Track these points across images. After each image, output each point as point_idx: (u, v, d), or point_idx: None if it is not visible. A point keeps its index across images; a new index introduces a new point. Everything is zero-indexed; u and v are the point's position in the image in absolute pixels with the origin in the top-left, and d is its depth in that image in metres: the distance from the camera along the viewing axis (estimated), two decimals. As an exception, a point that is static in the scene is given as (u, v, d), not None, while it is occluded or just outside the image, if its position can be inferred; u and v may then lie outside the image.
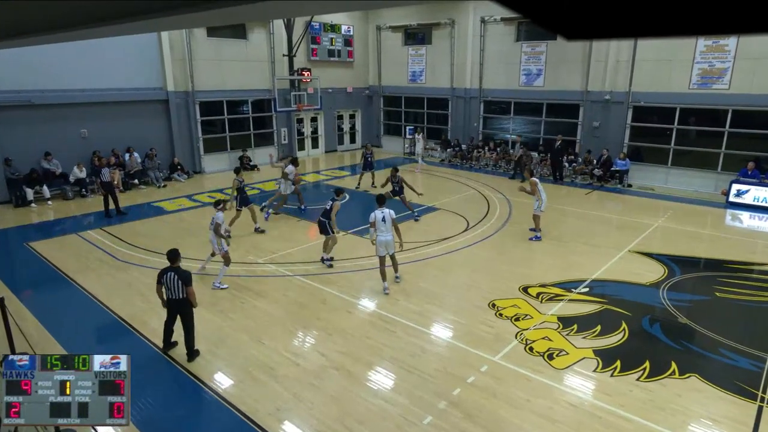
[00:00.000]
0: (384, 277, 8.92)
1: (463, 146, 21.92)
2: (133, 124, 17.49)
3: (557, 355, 6.96)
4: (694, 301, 8.89)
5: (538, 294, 8.85)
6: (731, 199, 15.15)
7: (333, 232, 9.96)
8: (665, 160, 17.43)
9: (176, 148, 18.71)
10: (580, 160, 18.57)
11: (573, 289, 9.03)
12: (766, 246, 11.93)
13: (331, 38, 23.44)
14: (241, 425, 5.63)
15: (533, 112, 20.57)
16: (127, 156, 17.04)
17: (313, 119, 24.04)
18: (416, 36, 23.67)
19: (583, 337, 7.43)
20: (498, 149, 20.81)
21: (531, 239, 11.52)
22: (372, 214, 8.83)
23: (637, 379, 6.45)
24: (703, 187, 16.60)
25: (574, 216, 14.00)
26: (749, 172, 15.29)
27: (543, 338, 7.40)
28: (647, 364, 6.75)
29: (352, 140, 26.03)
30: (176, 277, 6.54)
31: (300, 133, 23.46)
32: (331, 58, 23.58)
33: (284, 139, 22.47)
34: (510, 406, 5.93)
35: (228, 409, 5.90)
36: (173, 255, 6.75)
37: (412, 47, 23.77)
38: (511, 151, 20.22)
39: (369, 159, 16.52)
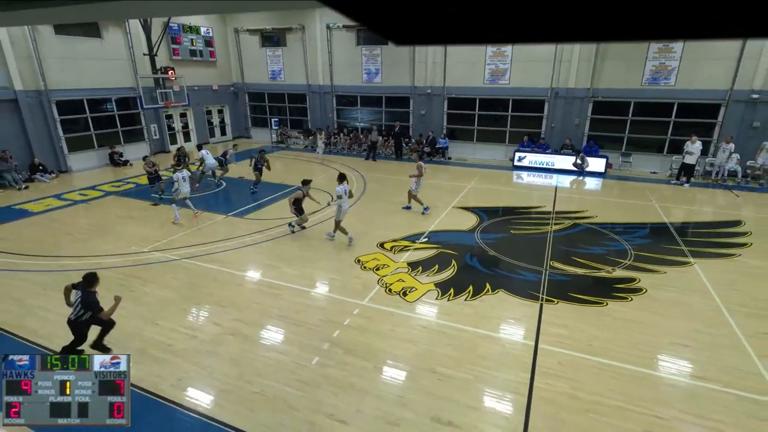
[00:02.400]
0: (346, 232, 9.46)
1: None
2: (-24, 125, 13.79)
3: (409, 292, 7.44)
4: (498, 238, 10.00)
5: (392, 247, 9.31)
6: (516, 163, 17.49)
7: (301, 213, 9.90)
8: (472, 137, 19.40)
9: (35, 149, 15.22)
10: (413, 140, 19.72)
11: (416, 241, 9.67)
12: (539, 195, 14.08)
13: (191, 39, 20.95)
14: (145, 401, 5.01)
15: (376, 103, 21.10)
16: (-27, 160, 13.47)
17: (183, 115, 21.50)
18: (272, 39, 22.35)
19: (426, 275, 8.03)
20: (351, 135, 21.04)
21: (404, 208, 11.89)
22: (339, 188, 9.21)
23: (465, 300, 7.21)
24: (498, 156, 18.90)
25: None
26: (525, 144, 17.83)
27: (398, 281, 7.83)
28: (471, 287, 7.56)
29: (223, 132, 23.99)
30: (80, 300, 5.26)
31: (171, 128, 20.84)
32: (194, 58, 21.15)
33: (155, 135, 19.80)
34: (379, 337, 6.23)
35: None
36: (90, 279, 5.36)
37: (269, 49, 22.42)
38: (361, 136, 20.56)
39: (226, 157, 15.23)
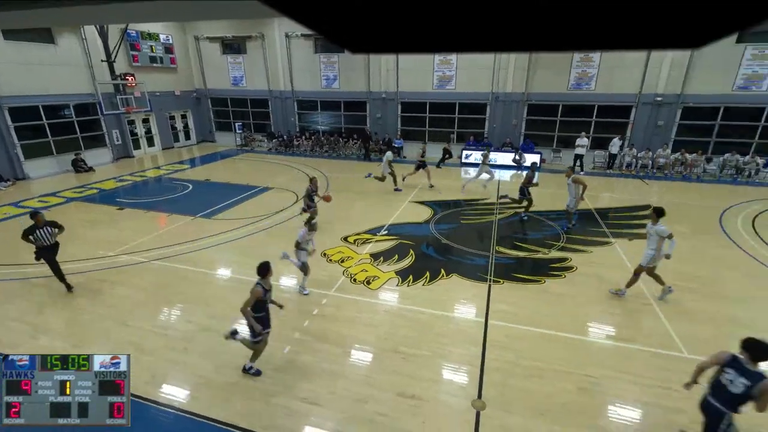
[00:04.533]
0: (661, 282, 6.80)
1: (284, 137, 21.19)
2: None
3: (372, 280, 7.47)
4: (450, 228, 10.22)
5: (355, 240, 9.29)
6: (463, 160, 17.95)
7: None
8: (424, 137, 19.62)
9: (-13, 157, 13.82)
10: (371, 142, 19.70)
11: (377, 233, 9.70)
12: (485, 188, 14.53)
13: (151, 46, 19.67)
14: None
15: (335, 107, 20.87)
16: None
17: (145, 120, 20.22)
18: (232, 46, 21.44)
19: (387, 264, 8.08)
20: (312, 138, 20.69)
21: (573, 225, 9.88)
22: (663, 228, 6.35)
23: (423, 285, 7.32)
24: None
25: (373, 182, 14.86)
26: (471, 143, 18.31)
27: (361, 271, 7.83)
28: (428, 273, 7.70)
29: (187, 137, 22.83)
30: None
31: (134, 133, 19.54)
32: (154, 64, 19.90)
33: (117, 140, 18.51)
34: (346, 323, 6.22)
35: (102, 391, 4.88)
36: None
37: (230, 56, 21.51)
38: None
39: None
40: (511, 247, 9.00)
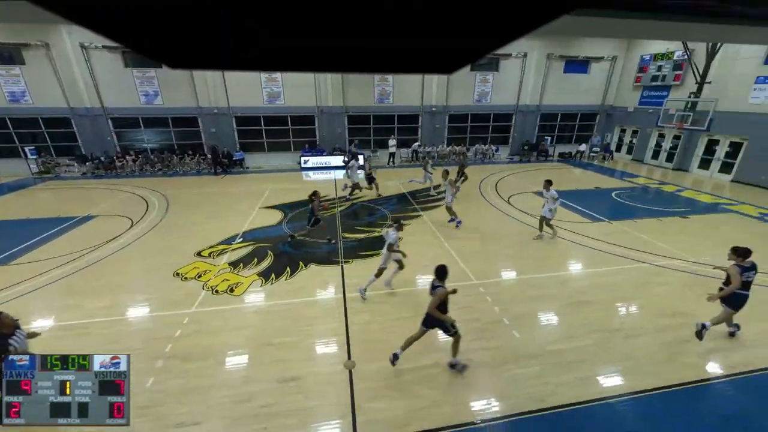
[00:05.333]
0: (552, 227, 9.04)
1: (102, 158, 16.63)
2: None
3: (236, 287, 6.79)
4: (301, 225, 10.15)
5: (210, 253, 8.18)
6: (303, 165, 17.79)
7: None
8: (263, 148, 18.56)
9: None
10: (209, 156, 17.41)
11: (232, 242, 8.81)
12: (324, 187, 14.74)
13: None
14: None
15: (162, 124, 17.47)
16: None
17: None
18: (2, 55, 15.29)
19: (248, 269, 7.46)
20: (140, 156, 16.88)
21: (450, 221, 10.00)
22: (555, 192, 8.53)
23: (285, 279, 7.07)
24: (288, 161, 18.73)
25: (219, 194, 13.28)
26: (306, 150, 18.27)
27: (223, 281, 6.99)
28: (288, 269, 7.46)
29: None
30: None
31: None
32: None
33: None
34: (214, 335, 5.47)
35: None
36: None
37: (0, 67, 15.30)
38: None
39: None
40: (353, 231, 9.53)
